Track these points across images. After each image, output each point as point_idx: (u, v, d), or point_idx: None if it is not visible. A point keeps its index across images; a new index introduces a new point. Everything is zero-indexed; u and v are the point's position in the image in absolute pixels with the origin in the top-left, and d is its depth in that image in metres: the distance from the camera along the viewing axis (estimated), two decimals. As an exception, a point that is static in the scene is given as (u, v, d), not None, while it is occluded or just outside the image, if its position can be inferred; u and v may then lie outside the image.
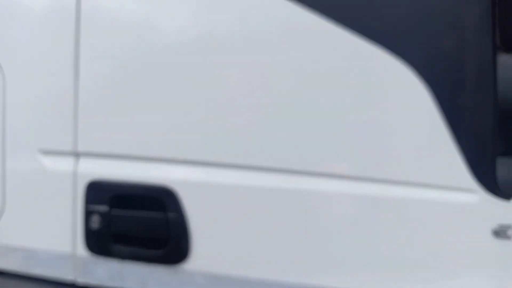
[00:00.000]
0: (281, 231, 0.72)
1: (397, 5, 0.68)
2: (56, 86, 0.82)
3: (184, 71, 0.76)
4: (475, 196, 0.64)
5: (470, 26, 0.64)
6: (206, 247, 0.76)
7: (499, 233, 0.64)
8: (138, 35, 0.79)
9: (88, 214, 0.80)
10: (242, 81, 0.73)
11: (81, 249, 0.81)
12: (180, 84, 0.76)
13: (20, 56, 0.86)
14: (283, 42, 0.71)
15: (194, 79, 0.75)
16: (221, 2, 0.75)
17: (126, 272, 0.79)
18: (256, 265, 0.74)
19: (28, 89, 0.84)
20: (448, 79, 0.66)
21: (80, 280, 0.82)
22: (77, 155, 0.82)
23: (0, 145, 0.84)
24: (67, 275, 0.82)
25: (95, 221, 0.79)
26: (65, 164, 0.82)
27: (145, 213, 0.77)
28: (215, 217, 0.76)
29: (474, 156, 0.65)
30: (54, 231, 0.83)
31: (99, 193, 0.79)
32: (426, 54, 0.66)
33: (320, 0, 0.69)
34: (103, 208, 0.78)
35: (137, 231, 0.78)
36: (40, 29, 0.84)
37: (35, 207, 0.85)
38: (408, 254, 0.68)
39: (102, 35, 0.80)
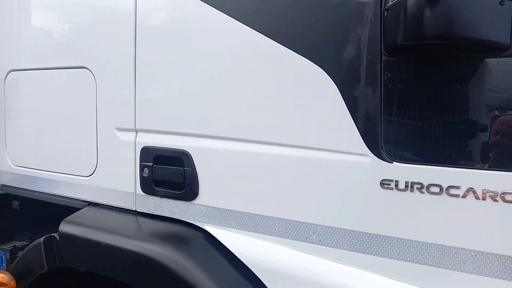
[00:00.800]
0: (248, 179, 1.10)
1: (315, 27, 0.99)
2: (123, 88, 1.30)
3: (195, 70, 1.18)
4: (367, 158, 0.93)
5: (365, 38, 0.92)
6: (207, 190, 1.17)
7: (384, 185, 0.92)
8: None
9: (141, 167, 1.27)
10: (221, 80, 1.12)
11: (138, 190, 1.30)
12: (196, 82, 1.18)
13: (103, 63, 1.36)
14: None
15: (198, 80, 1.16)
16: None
17: (163, 204, 1.26)
18: (237, 201, 1.13)
19: (108, 89, 1.34)
20: (348, 75, 0.95)
21: (138, 209, 1.31)
22: (136, 131, 1.30)
23: (94, 125, 1.37)
24: (131, 206, 1.32)
25: (145, 172, 1.26)
26: (129, 137, 1.31)
27: (172, 167, 1.21)
28: (213, 170, 1.17)
29: (367, 130, 0.93)
30: (124, 178, 1.32)
31: (147, 155, 1.26)
32: (333, 59, 0.97)
33: (254, 18, 1.04)
34: (149, 163, 1.25)
35: (167, 178, 1.23)
36: (114, 40, 1.32)
37: (113, 163, 1.36)
38: (319, 197, 1.00)
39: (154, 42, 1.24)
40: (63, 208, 1.43)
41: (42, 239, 1.36)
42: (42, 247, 1.35)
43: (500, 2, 0.77)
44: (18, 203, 1.72)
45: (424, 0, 0.78)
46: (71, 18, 1.45)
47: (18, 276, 1.39)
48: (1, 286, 1.35)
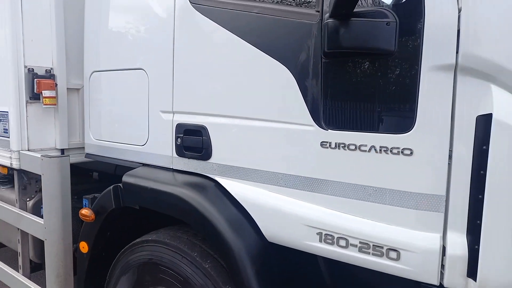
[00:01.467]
0: (241, 144, 1.61)
1: (283, 38, 1.47)
2: (166, 83, 1.87)
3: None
4: (313, 128, 1.39)
5: (312, 46, 1.38)
6: (217, 152, 1.70)
7: (322, 145, 1.38)
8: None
9: (176, 138, 1.83)
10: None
11: (174, 154, 1.86)
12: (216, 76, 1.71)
13: (152, 66, 1.94)
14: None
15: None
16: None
17: (190, 163, 1.80)
18: (235, 160, 1.64)
19: (156, 84, 1.93)
20: (302, 71, 1.42)
21: (174, 167, 1.87)
22: (173, 113, 1.86)
23: (147, 110, 1.96)
24: (169, 165, 1.89)
25: (178, 141, 1.82)
26: (169, 116, 1.88)
27: (195, 137, 1.76)
28: (220, 139, 1.69)
29: (313, 109, 1.39)
30: (165, 146, 1.89)
31: (180, 129, 1.81)
32: (293, 58, 1.44)
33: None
34: (181, 135, 1.81)
35: (192, 145, 1.78)
36: (159, 48, 1.90)
37: (159, 136, 1.93)
38: (283, 155, 1.48)
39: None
40: (125, 168, 2.05)
41: (111, 187, 1.98)
42: (111, 193, 1.97)
43: (386, 23, 1.20)
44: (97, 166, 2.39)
45: (337, 22, 1.23)
46: (131, 30, 2.06)
47: (96, 212, 2.03)
48: (85, 217, 2.00)
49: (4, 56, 2.32)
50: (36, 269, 2.66)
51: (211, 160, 1.72)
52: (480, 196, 1.13)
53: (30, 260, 2.60)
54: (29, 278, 2.55)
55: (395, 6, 1.23)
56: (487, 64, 1.12)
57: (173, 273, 1.71)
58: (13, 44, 2.27)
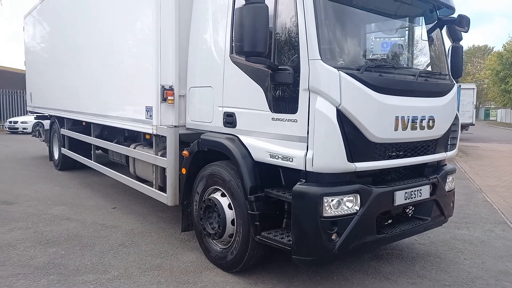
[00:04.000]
0: (246, 121, 3.77)
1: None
2: (219, 94, 4.10)
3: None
4: (269, 112, 3.47)
5: (268, 80, 3.46)
6: (239, 124, 3.87)
7: (271, 119, 3.45)
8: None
9: (223, 118, 4.04)
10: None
11: (222, 126, 4.08)
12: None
13: (215, 83, 4.18)
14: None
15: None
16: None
17: (228, 129, 4.00)
18: (244, 127, 3.80)
19: (216, 95, 4.17)
20: (265, 88, 3.51)
21: (222, 132, 4.10)
22: (222, 106, 4.08)
23: (212, 106, 4.22)
24: (220, 131, 4.12)
25: (224, 120, 4.04)
26: (220, 108, 4.09)
27: (230, 117, 3.95)
28: (240, 117, 3.85)
29: (268, 103, 3.47)
30: (219, 122, 4.11)
31: (225, 114, 4.03)
32: (264, 84, 3.53)
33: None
34: (225, 117, 4.02)
35: (229, 121, 3.96)
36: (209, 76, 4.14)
37: (217, 118, 4.17)
38: (257, 125, 3.60)
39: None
40: (202, 133, 4.34)
41: (196, 141, 4.29)
42: (196, 143, 4.29)
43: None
44: (193, 135, 4.76)
45: (238, 44, 3.31)
46: (206, 68, 4.34)
47: (189, 152, 4.38)
48: (185, 154, 4.36)
49: (150, 77, 4.78)
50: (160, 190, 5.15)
51: (236, 127, 3.91)
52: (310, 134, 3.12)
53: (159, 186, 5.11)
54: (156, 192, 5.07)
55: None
56: (317, 90, 3.10)
57: (219, 177, 3.95)
58: (156, 70, 4.71)
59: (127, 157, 6.07)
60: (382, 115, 3.30)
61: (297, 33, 3.20)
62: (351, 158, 3.17)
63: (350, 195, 3.20)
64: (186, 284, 3.71)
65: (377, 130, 3.28)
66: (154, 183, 5.13)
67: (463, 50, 4.62)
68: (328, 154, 3.13)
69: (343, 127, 3.10)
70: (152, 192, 5.15)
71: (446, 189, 4.11)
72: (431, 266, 4.29)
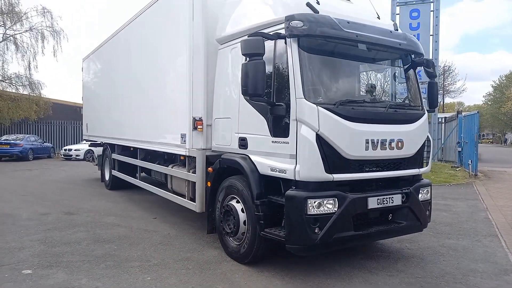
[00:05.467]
0: (255, 144, 4.93)
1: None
2: (236, 123, 5.31)
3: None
4: (269, 136, 4.61)
5: (268, 113, 4.63)
6: (250, 146, 5.03)
7: (271, 142, 4.59)
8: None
9: (238, 142, 5.24)
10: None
11: (238, 148, 5.26)
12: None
13: (232, 115, 5.40)
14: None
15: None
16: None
17: (241, 150, 5.18)
18: (254, 148, 4.96)
19: (232, 125, 5.38)
20: (268, 118, 4.66)
21: (236, 152, 5.28)
22: (238, 133, 5.27)
23: (230, 133, 5.44)
24: (236, 151, 5.31)
25: (239, 143, 5.22)
26: (236, 134, 5.27)
27: (243, 141, 5.13)
28: (250, 141, 5.02)
29: (269, 130, 4.62)
30: (235, 145, 5.30)
31: (239, 139, 5.23)
32: (266, 115, 4.70)
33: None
34: (239, 141, 5.22)
35: (242, 144, 5.14)
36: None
37: (234, 142, 5.37)
38: (263, 147, 4.75)
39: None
40: (222, 154, 5.54)
41: (217, 160, 5.50)
42: (218, 162, 5.49)
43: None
44: (216, 156, 5.97)
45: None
46: (226, 104, 5.59)
47: (213, 169, 5.58)
48: (209, 171, 5.57)
49: (184, 111, 6.09)
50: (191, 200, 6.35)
51: (247, 149, 5.08)
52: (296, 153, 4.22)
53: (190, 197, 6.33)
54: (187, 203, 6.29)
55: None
56: (302, 120, 4.22)
57: (235, 187, 5.10)
58: (189, 106, 6.02)
59: (166, 175, 7.38)
60: (353, 138, 4.36)
61: (288, 79, 4.37)
62: (329, 170, 4.23)
63: (330, 199, 4.23)
64: (208, 270, 4.81)
65: (350, 150, 4.33)
66: (186, 195, 6.36)
67: (438, 85, 5.60)
68: (310, 167, 4.20)
69: (321, 147, 4.18)
70: (185, 202, 6.37)
71: (420, 199, 5.01)
72: (411, 264, 5.13)
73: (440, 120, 21.03)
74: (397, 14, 20.19)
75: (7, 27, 26.55)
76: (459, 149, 16.11)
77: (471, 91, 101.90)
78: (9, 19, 26.37)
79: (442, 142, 19.49)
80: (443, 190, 11.43)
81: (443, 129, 20.89)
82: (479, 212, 8.42)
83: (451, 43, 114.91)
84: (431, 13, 19.70)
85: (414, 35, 20.84)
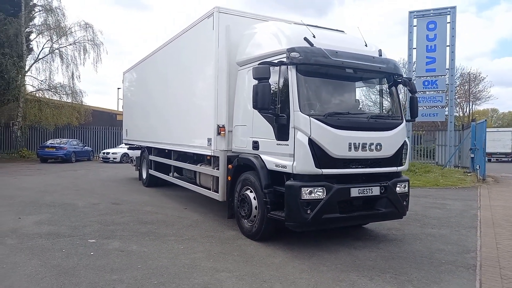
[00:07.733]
0: (265, 146, 6.31)
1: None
2: (250, 129, 6.70)
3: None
4: (275, 140, 5.96)
5: (273, 120, 5.99)
6: (261, 147, 6.42)
7: (276, 144, 5.94)
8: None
9: (252, 144, 6.63)
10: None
11: (252, 150, 6.65)
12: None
13: (248, 122, 6.79)
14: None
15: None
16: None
17: (254, 151, 6.57)
18: (264, 150, 6.34)
19: (248, 129, 6.77)
20: (274, 125, 6.03)
21: (250, 153, 6.67)
22: (252, 137, 6.65)
23: (246, 137, 6.84)
24: (249, 151, 6.69)
25: (253, 146, 6.61)
26: (251, 138, 6.66)
27: (255, 143, 6.52)
28: (261, 144, 6.40)
29: (275, 134, 5.97)
30: (249, 146, 6.69)
31: (253, 142, 6.62)
32: (272, 122, 6.06)
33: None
34: (253, 144, 6.60)
35: (255, 146, 6.52)
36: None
37: (248, 145, 6.75)
38: (271, 148, 6.12)
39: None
40: (240, 154, 6.95)
41: (237, 158, 6.92)
42: (237, 160, 6.90)
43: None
44: (235, 155, 7.39)
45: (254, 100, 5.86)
46: (244, 113, 7.00)
47: (232, 165, 7.00)
48: (230, 167, 6.99)
49: (210, 120, 7.55)
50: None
51: (259, 150, 6.46)
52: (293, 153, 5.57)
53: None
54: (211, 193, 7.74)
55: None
56: (298, 128, 5.57)
57: (249, 180, 6.49)
58: (214, 115, 7.47)
59: (195, 172, 8.89)
60: (338, 141, 5.65)
61: (288, 96, 5.73)
62: (319, 166, 5.54)
63: (319, 188, 5.54)
64: (227, 244, 6.21)
65: (336, 150, 5.63)
66: (211, 187, 7.81)
67: (417, 99, 6.81)
68: (304, 164, 5.53)
69: (313, 148, 5.51)
70: (210, 193, 7.83)
71: (398, 192, 6.22)
72: (391, 244, 6.34)
73: (456, 127, 21.64)
74: (414, 26, 21.15)
75: (53, 41, 29.28)
76: (472, 155, 16.83)
77: (508, 97, 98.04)
78: (55, 34, 29.09)
79: (457, 148, 20.14)
80: (447, 192, 12.37)
81: (459, 136, 21.52)
82: (470, 210, 9.41)
83: (487, 48, 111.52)
84: (448, 24, 20.50)
85: (431, 46, 21.88)
